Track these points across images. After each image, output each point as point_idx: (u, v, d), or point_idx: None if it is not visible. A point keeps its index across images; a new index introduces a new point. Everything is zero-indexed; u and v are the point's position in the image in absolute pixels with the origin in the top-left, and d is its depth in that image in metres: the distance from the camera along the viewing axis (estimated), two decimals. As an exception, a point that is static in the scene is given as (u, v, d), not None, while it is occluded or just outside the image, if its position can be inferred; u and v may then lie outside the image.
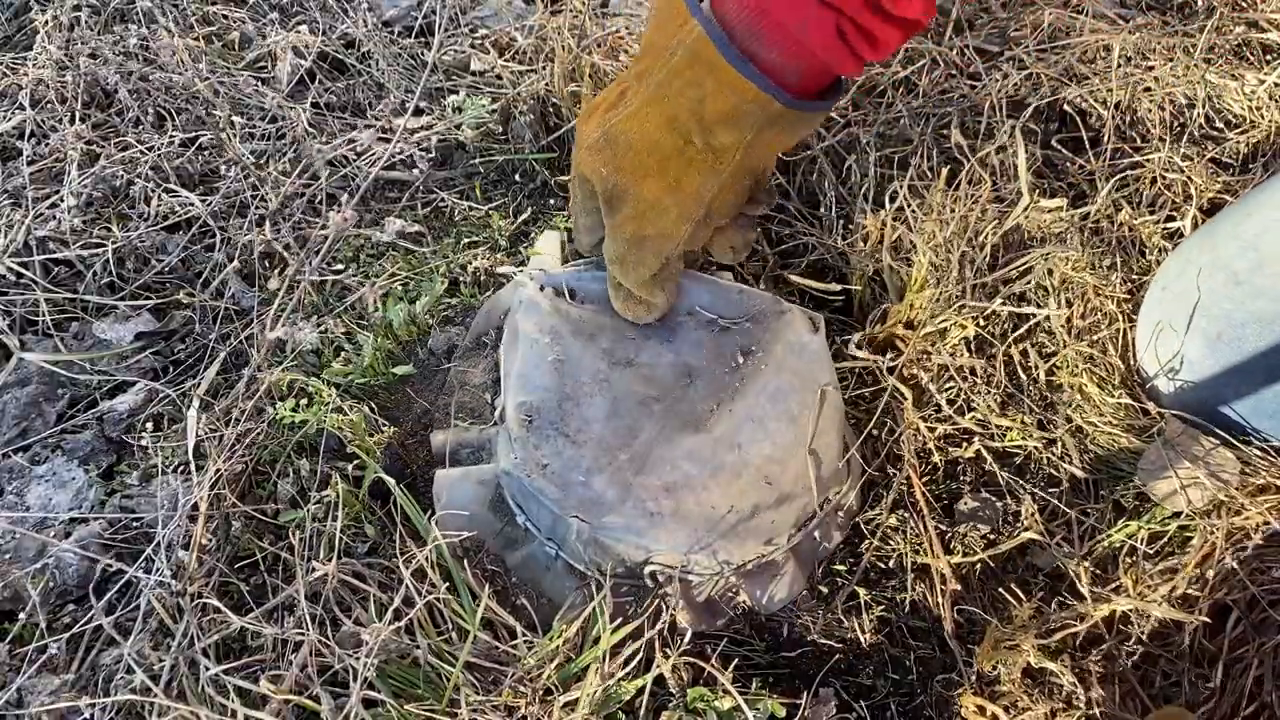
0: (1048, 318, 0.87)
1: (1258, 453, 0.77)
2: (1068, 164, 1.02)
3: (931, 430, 0.82)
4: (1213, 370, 0.79)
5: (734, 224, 0.78)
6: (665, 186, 0.66)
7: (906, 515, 0.78)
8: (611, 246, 0.71)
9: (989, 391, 0.84)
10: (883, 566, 0.77)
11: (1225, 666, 0.68)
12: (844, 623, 0.73)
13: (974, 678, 0.69)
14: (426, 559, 0.64)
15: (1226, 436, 0.78)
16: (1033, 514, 0.77)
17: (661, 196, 0.67)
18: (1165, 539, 0.75)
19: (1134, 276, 0.92)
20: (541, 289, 0.78)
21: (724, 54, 0.60)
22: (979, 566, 0.77)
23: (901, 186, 0.91)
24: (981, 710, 0.67)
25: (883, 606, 0.75)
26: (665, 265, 0.72)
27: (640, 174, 0.66)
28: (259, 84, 1.14)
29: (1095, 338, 0.87)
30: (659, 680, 0.65)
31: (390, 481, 0.70)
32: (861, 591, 0.75)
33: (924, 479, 0.80)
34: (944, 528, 0.78)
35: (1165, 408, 0.82)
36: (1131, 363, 0.87)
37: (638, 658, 0.63)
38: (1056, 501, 0.78)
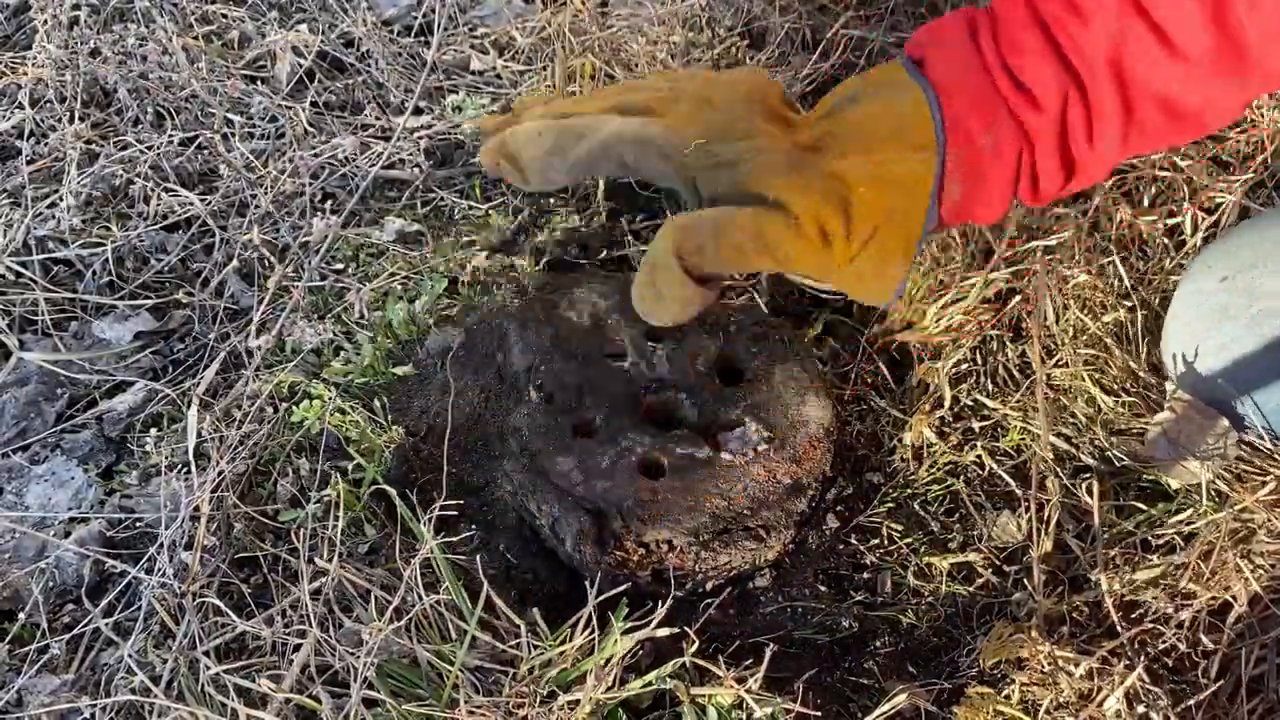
0: (1050, 315, 0.86)
1: (1267, 448, 0.77)
2: (1068, 162, 1.02)
3: (933, 430, 0.82)
4: (1227, 366, 0.78)
5: None
6: None
7: (908, 515, 0.78)
8: None
9: (990, 391, 0.84)
10: (884, 565, 0.77)
11: (1226, 660, 0.68)
12: (844, 619, 0.73)
13: (975, 672, 0.69)
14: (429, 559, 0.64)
15: (1235, 431, 0.78)
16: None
17: None
18: (1168, 535, 0.75)
19: (1136, 274, 0.92)
20: None
21: None
22: (980, 565, 0.76)
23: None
24: (983, 697, 0.67)
25: (883, 602, 0.74)
26: None
27: None
28: (258, 83, 1.14)
29: (1099, 337, 0.87)
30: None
31: (391, 490, 0.70)
32: (862, 588, 0.75)
33: (924, 478, 0.80)
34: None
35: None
36: (1133, 364, 0.86)
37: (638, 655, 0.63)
38: (1059, 500, 0.78)
